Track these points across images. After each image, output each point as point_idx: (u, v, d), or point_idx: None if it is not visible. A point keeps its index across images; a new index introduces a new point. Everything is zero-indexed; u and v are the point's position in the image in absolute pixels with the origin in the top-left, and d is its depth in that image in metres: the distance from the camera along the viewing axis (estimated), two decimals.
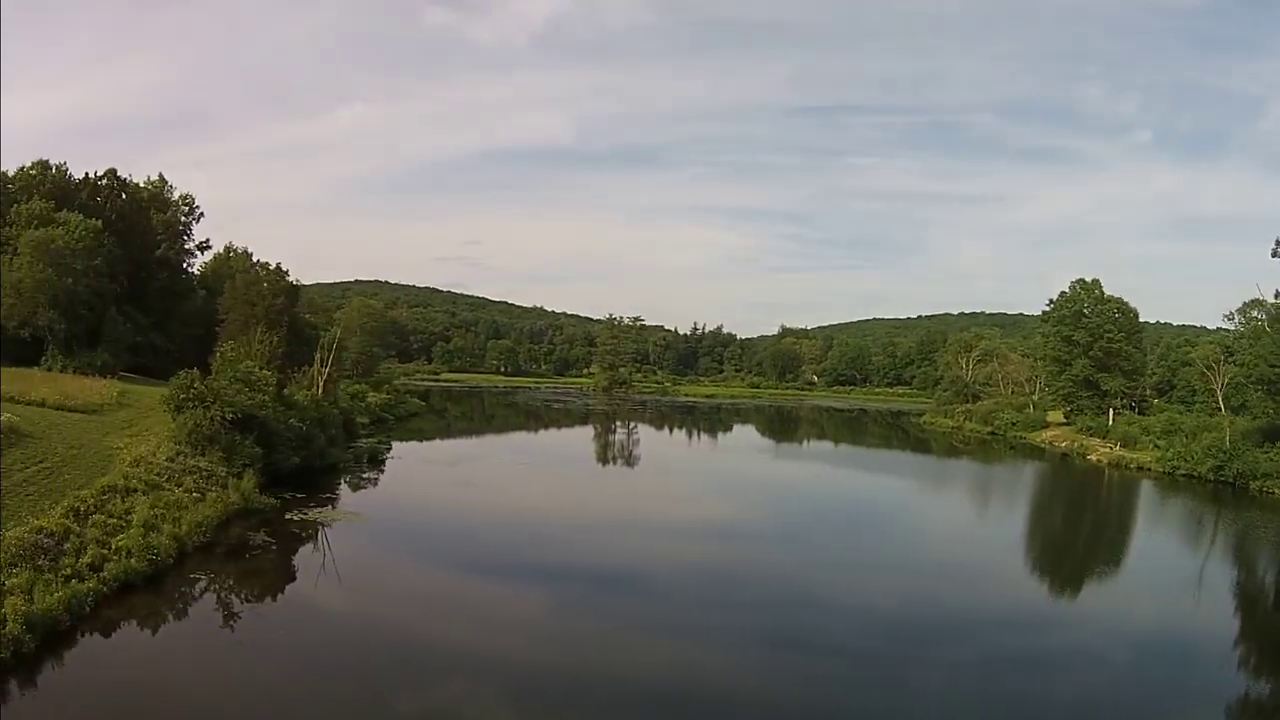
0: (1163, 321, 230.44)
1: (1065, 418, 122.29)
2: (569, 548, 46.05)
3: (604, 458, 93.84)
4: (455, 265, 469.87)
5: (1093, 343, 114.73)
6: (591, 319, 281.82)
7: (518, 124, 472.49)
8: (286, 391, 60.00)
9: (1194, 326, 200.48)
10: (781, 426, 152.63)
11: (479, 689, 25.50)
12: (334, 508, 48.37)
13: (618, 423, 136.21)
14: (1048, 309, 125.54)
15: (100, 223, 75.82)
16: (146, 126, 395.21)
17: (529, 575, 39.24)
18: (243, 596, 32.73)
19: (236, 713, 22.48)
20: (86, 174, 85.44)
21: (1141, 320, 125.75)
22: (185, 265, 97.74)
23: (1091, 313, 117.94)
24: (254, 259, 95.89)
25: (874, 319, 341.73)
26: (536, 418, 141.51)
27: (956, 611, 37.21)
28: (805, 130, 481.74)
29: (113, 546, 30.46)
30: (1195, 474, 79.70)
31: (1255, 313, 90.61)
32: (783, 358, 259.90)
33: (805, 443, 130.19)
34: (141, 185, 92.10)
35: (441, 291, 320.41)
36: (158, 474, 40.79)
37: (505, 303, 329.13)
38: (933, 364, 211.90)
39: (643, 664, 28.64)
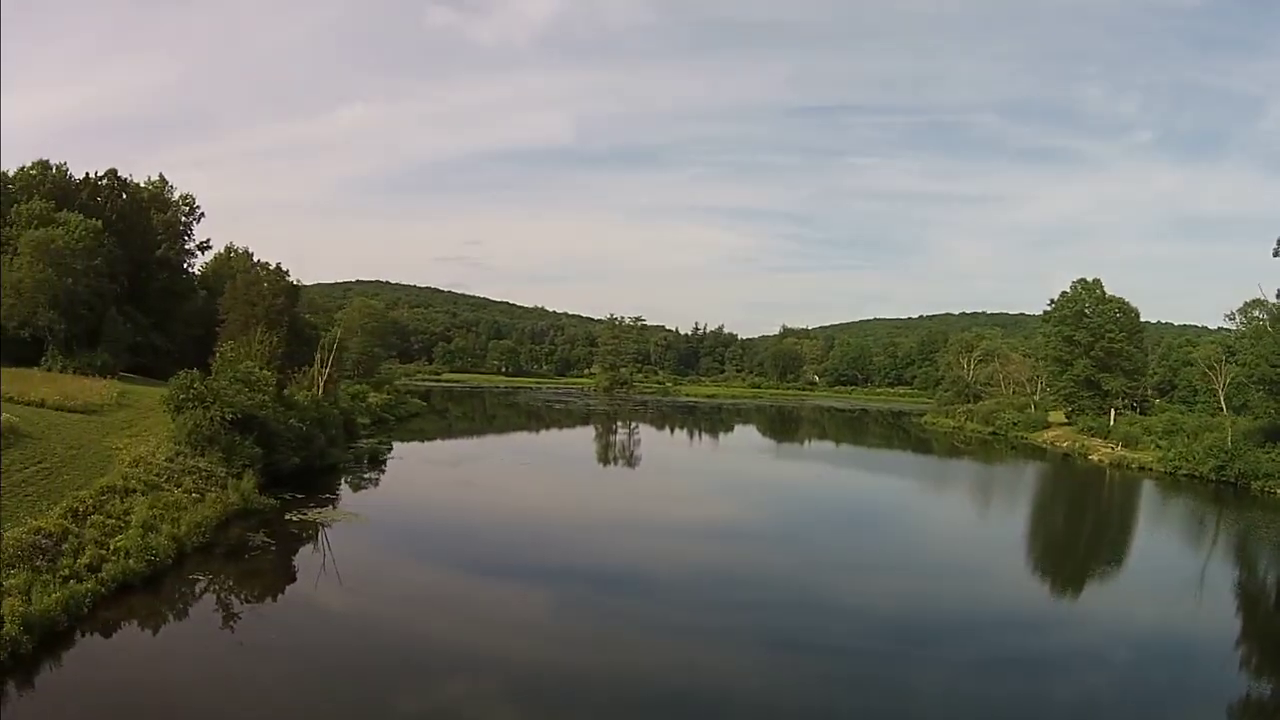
0: (1164, 321, 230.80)
1: (1067, 418, 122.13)
2: (570, 548, 45.99)
3: (605, 458, 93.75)
4: (455, 265, 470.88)
5: (1094, 343, 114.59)
6: (593, 319, 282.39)
7: (518, 124, 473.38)
8: (287, 392, 59.93)
9: (1195, 326, 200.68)
10: (783, 427, 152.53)
11: (480, 689, 25.44)
12: (334, 508, 48.25)
13: (619, 423, 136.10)
14: (1049, 309, 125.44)
15: (100, 223, 75.73)
16: (146, 126, 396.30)
17: (530, 575, 39.15)
18: (242, 597, 32.66)
19: (236, 713, 22.39)
20: (87, 174, 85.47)
21: (1142, 320, 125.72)
22: (186, 265, 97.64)
23: (1093, 313, 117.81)
24: (255, 259, 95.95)
25: (875, 319, 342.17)
26: (538, 418, 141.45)
27: (958, 612, 37.13)
28: (805, 130, 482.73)
29: (111, 547, 30.35)
30: (1197, 474, 79.58)
31: (1256, 312, 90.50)
32: (784, 358, 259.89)
33: (806, 443, 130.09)
34: (142, 185, 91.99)
35: (443, 292, 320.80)
36: (157, 474, 40.70)
37: (506, 303, 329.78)
38: (934, 364, 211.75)
39: (644, 664, 28.57)
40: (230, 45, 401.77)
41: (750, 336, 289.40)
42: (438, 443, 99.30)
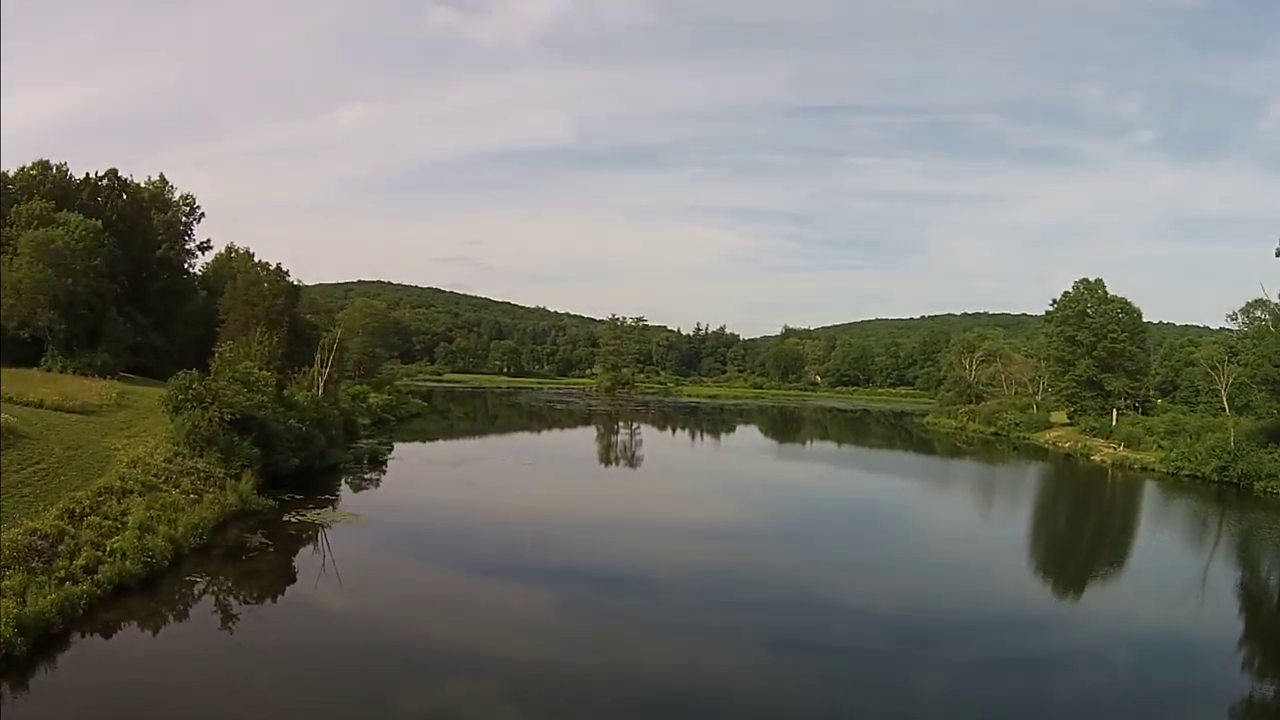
0: (1165, 322, 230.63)
1: (1069, 418, 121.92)
2: (571, 548, 45.89)
3: (607, 458, 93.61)
4: (456, 265, 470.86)
5: (1096, 343, 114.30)
6: (594, 319, 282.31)
7: (518, 124, 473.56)
8: (286, 392, 59.80)
9: (1196, 326, 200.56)
10: (784, 427, 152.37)
11: (480, 689, 25.37)
12: (334, 509, 48.11)
13: (620, 423, 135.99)
14: (1051, 309, 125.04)
15: (100, 223, 75.57)
16: (147, 126, 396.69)
17: (531, 575, 39.06)
18: (239, 598, 32.54)
19: (235, 714, 22.30)
20: (87, 174, 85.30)
21: (1144, 320, 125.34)
22: (186, 265, 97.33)
23: (1095, 313, 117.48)
24: (255, 259, 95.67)
25: (876, 319, 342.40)
26: (539, 418, 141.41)
27: (959, 612, 37.00)
28: (805, 130, 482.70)
29: (107, 549, 30.18)
30: (1199, 475, 79.32)
31: (1259, 313, 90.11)
32: (786, 358, 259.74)
33: (808, 443, 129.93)
34: (142, 185, 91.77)
35: (444, 292, 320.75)
36: (155, 475, 40.56)
37: (508, 303, 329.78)
38: (936, 364, 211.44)
39: (645, 664, 28.49)
40: (230, 45, 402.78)
41: (752, 337, 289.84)
42: (439, 443, 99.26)
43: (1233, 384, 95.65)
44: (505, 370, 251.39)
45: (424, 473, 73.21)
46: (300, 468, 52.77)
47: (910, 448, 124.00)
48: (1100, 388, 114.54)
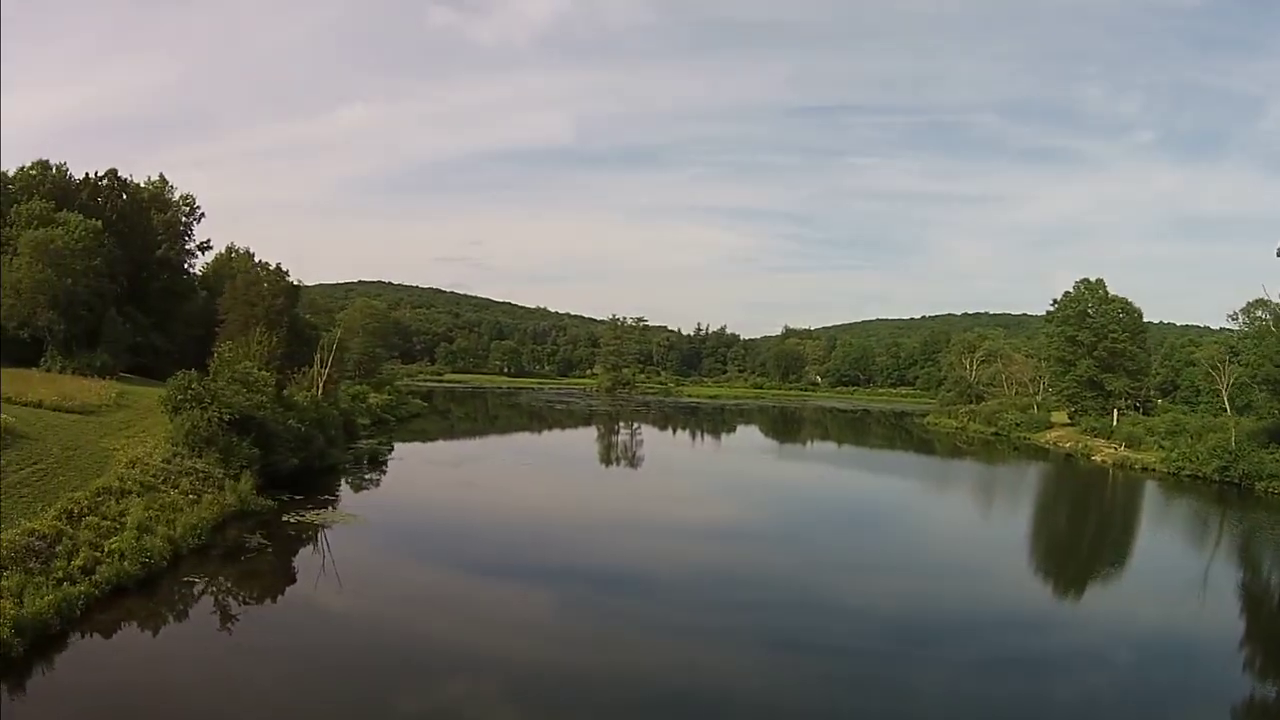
0: (1165, 322, 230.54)
1: (1069, 418, 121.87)
2: (571, 548, 45.87)
3: (607, 458, 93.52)
4: (456, 265, 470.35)
5: (1097, 343, 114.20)
6: (594, 319, 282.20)
7: (518, 124, 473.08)
8: (286, 392, 59.71)
9: (1197, 326, 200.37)
10: (785, 427, 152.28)
11: (480, 689, 25.35)
12: (333, 509, 48.03)
13: (621, 424, 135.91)
14: (1052, 309, 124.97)
15: (100, 223, 75.54)
16: (146, 126, 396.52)
17: (531, 575, 39.04)
18: (238, 599, 32.47)
19: (235, 714, 22.25)
20: (87, 174, 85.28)
21: (1144, 321, 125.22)
22: (186, 265, 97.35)
23: (1096, 313, 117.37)
24: (255, 259, 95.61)
25: (877, 320, 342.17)
26: (540, 419, 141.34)
27: (959, 612, 36.95)
28: (805, 130, 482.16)
29: (105, 549, 30.14)
30: (1200, 475, 79.24)
31: (1260, 313, 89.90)
32: (786, 358, 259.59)
33: (808, 444, 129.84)
34: (142, 185, 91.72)
35: (445, 292, 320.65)
36: (153, 476, 40.51)
37: (509, 303, 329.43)
38: (936, 364, 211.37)
39: (645, 664, 28.48)
40: (230, 45, 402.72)
41: (752, 337, 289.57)
42: (439, 443, 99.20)
43: (1234, 384, 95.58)
44: (506, 370, 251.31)
45: (424, 473, 73.14)
46: (299, 468, 52.58)
47: (911, 448, 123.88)
48: (1101, 388, 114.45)
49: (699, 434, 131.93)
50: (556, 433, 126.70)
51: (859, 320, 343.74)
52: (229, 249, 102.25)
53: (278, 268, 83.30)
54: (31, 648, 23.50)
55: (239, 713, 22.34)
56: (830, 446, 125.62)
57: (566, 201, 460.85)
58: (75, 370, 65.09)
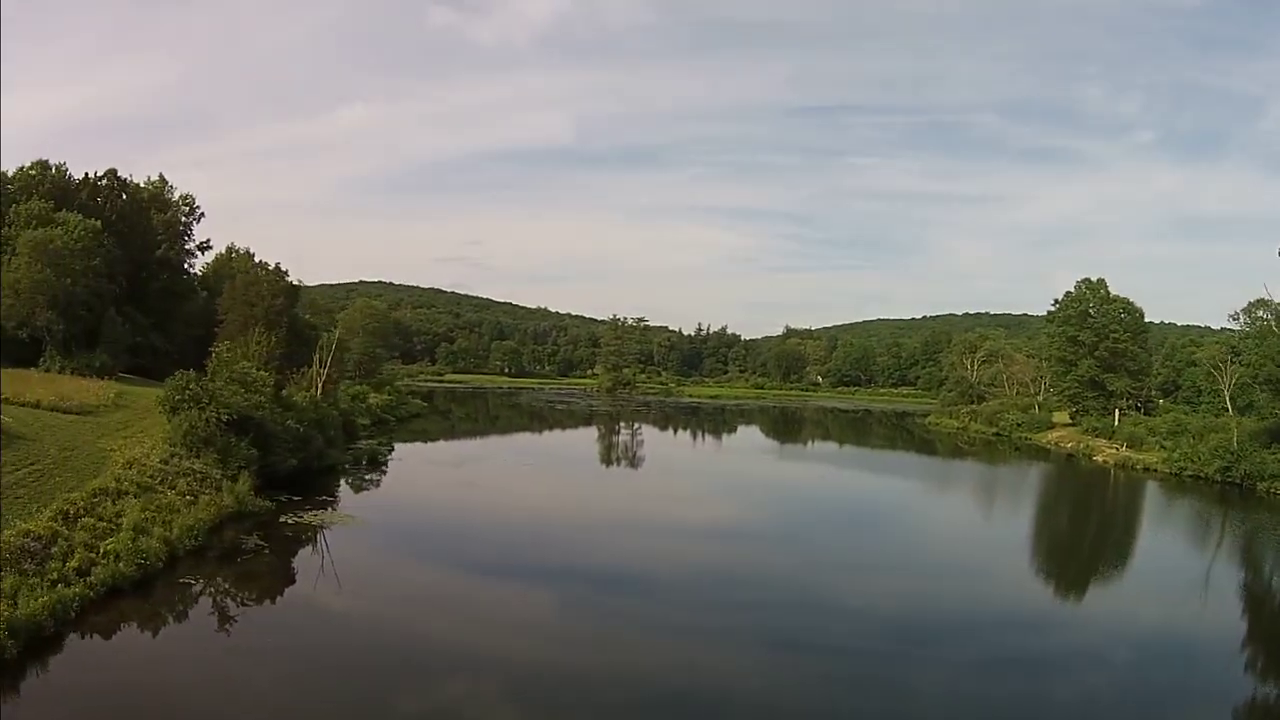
0: (1166, 322, 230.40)
1: (1071, 418, 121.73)
2: (572, 548, 45.76)
3: (607, 459, 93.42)
4: (456, 265, 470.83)
5: (1098, 343, 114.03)
6: (595, 320, 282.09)
7: (518, 124, 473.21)
8: (285, 393, 59.54)
9: (1198, 326, 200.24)
10: (785, 427, 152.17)
11: (480, 689, 25.27)
12: (332, 510, 47.83)
13: (621, 424, 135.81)
14: (1053, 309, 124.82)
15: (100, 223, 75.51)
16: (146, 126, 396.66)
17: (531, 576, 38.94)
18: (235, 599, 32.34)
19: (234, 714, 22.13)
20: (86, 174, 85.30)
21: (1146, 320, 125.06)
22: (186, 266, 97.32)
23: (1097, 313, 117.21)
24: (255, 259, 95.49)
25: (878, 320, 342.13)
26: (540, 419, 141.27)
27: (959, 612, 36.84)
28: (805, 130, 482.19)
29: (101, 550, 30.00)
30: (1202, 475, 79.09)
31: (1261, 313, 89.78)
32: (787, 358, 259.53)
33: (809, 444, 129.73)
34: (142, 185, 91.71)
35: (445, 292, 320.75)
36: (150, 476, 40.32)
37: (509, 304, 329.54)
38: (937, 365, 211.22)
39: (644, 664, 28.40)
40: (230, 45, 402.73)
41: (753, 337, 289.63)
42: (439, 444, 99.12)
43: (1235, 384, 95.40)
44: (506, 371, 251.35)
45: (424, 473, 73.02)
46: (298, 469, 52.38)
47: (911, 448, 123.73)
48: (1102, 388, 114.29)
49: (699, 434, 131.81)
50: (557, 433, 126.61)
51: (860, 320, 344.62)
52: (229, 249, 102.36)
53: (277, 268, 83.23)
54: (25, 649, 23.35)
55: (238, 713, 22.22)
56: (831, 447, 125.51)
57: (566, 201, 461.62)
58: (74, 370, 65.05)
